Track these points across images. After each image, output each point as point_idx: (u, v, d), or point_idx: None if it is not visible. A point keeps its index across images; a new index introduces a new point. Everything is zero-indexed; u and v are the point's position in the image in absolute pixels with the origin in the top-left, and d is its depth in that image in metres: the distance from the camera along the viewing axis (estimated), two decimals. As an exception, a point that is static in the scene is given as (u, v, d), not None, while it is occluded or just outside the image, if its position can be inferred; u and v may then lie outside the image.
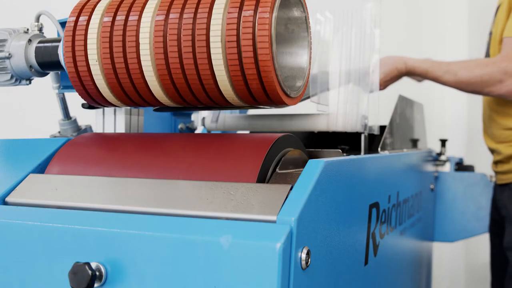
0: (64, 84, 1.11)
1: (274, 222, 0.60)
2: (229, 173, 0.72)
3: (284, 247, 0.55)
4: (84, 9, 0.82)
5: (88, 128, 1.21)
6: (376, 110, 1.14)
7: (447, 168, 1.78)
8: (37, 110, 1.93)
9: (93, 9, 0.81)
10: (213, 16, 0.72)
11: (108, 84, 0.80)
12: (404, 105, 1.36)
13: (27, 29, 0.99)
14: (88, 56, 0.79)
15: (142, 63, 0.76)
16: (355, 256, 0.81)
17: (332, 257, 0.70)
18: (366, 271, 0.87)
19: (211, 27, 0.72)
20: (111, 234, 0.63)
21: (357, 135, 1.12)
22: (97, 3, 0.82)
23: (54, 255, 0.65)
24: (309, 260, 0.61)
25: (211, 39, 0.72)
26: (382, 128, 1.18)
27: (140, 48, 0.76)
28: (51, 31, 1.06)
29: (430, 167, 1.61)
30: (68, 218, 0.68)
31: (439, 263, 2.67)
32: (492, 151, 1.74)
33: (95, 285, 0.61)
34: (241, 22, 0.71)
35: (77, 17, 0.81)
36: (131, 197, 0.71)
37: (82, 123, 1.19)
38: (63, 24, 1.07)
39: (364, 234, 0.85)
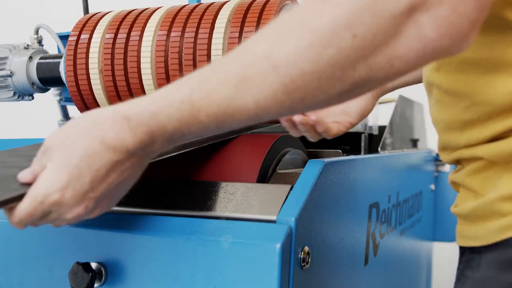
0: (66, 96, 1.12)
1: (274, 222, 0.60)
2: (229, 173, 0.72)
3: (284, 247, 0.55)
4: (85, 27, 0.82)
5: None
6: (375, 110, 1.14)
7: (447, 168, 1.78)
8: (36, 110, 1.93)
9: (94, 27, 0.82)
10: (214, 35, 0.73)
11: (109, 101, 0.81)
12: (404, 105, 1.36)
13: (27, 45, 0.99)
14: (90, 73, 0.80)
15: (144, 80, 0.77)
16: (355, 256, 0.81)
17: (332, 257, 0.70)
18: (366, 271, 0.87)
19: (213, 46, 0.72)
20: (111, 234, 0.63)
21: (357, 135, 1.12)
22: (99, 20, 0.83)
23: (54, 255, 0.65)
24: (309, 260, 0.61)
25: (213, 57, 0.72)
26: (382, 128, 1.18)
27: (142, 65, 0.76)
28: (49, 41, 1.06)
29: (430, 167, 1.61)
30: (68, 218, 0.68)
31: (439, 263, 2.67)
32: None
33: (95, 285, 0.61)
34: (242, 40, 0.71)
35: (79, 34, 0.82)
36: (131, 198, 0.71)
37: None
38: (61, 37, 1.07)
39: (364, 234, 0.85)
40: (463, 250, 0.55)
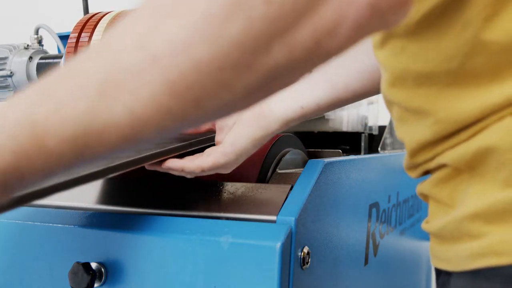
0: None
1: (274, 222, 0.60)
2: (229, 173, 0.71)
3: (283, 247, 0.55)
4: (86, 26, 0.82)
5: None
6: (375, 110, 1.14)
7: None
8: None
9: (94, 27, 0.82)
10: None
11: None
12: (404, 105, 1.36)
13: (27, 45, 0.99)
14: None
15: None
16: (355, 256, 0.81)
17: (332, 257, 0.70)
18: (366, 271, 0.87)
19: None
20: (111, 234, 0.63)
21: (357, 135, 1.12)
22: (99, 20, 0.83)
23: (54, 255, 0.65)
24: (309, 260, 0.61)
25: None
26: (382, 128, 1.18)
27: None
28: (49, 41, 1.06)
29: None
30: (68, 218, 0.68)
31: (439, 263, 2.66)
32: None
33: (95, 285, 0.61)
34: None
35: (79, 34, 0.82)
36: (131, 198, 0.71)
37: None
38: (61, 37, 1.07)
39: (364, 234, 0.85)
40: (439, 271, 0.48)
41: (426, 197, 0.50)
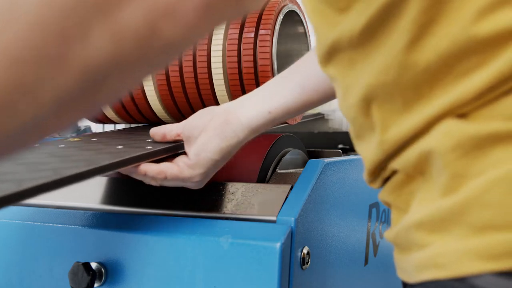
0: None
1: (274, 222, 0.60)
2: (230, 173, 0.72)
3: (284, 247, 0.55)
4: None
5: (87, 129, 1.21)
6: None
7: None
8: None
9: None
10: (214, 36, 0.73)
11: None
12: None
13: None
14: None
15: (144, 81, 0.77)
16: (355, 256, 0.81)
17: (332, 257, 0.70)
18: (366, 271, 0.87)
19: (212, 46, 0.73)
20: (111, 234, 0.63)
21: (357, 135, 1.12)
22: None
23: (54, 255, 0.65)
24: (309, 259, 0.61)
25: (212, 58, 0.73)
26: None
27: None
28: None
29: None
30: (68, 218, 0.68)
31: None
32: None
33: (95, 285, 0.61)
34: (242, 40, 0.72)
35: None
36: (131, 198, 0.71)
37: (81, 123, 1.20)
38: None
39: (364, 234, 0.85)
40: (404, 284, 0.45)
41: (389, 204, 0.47)
